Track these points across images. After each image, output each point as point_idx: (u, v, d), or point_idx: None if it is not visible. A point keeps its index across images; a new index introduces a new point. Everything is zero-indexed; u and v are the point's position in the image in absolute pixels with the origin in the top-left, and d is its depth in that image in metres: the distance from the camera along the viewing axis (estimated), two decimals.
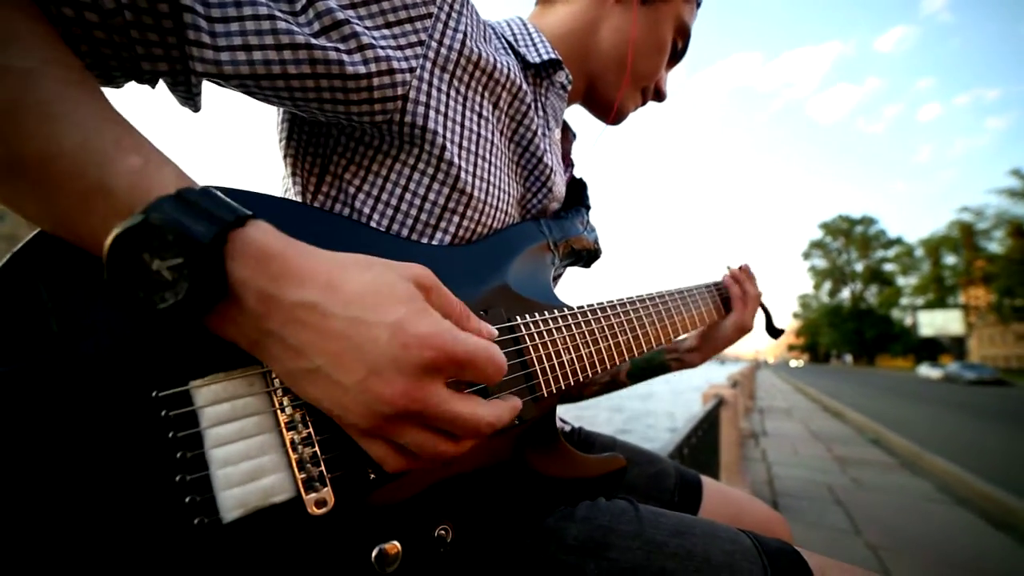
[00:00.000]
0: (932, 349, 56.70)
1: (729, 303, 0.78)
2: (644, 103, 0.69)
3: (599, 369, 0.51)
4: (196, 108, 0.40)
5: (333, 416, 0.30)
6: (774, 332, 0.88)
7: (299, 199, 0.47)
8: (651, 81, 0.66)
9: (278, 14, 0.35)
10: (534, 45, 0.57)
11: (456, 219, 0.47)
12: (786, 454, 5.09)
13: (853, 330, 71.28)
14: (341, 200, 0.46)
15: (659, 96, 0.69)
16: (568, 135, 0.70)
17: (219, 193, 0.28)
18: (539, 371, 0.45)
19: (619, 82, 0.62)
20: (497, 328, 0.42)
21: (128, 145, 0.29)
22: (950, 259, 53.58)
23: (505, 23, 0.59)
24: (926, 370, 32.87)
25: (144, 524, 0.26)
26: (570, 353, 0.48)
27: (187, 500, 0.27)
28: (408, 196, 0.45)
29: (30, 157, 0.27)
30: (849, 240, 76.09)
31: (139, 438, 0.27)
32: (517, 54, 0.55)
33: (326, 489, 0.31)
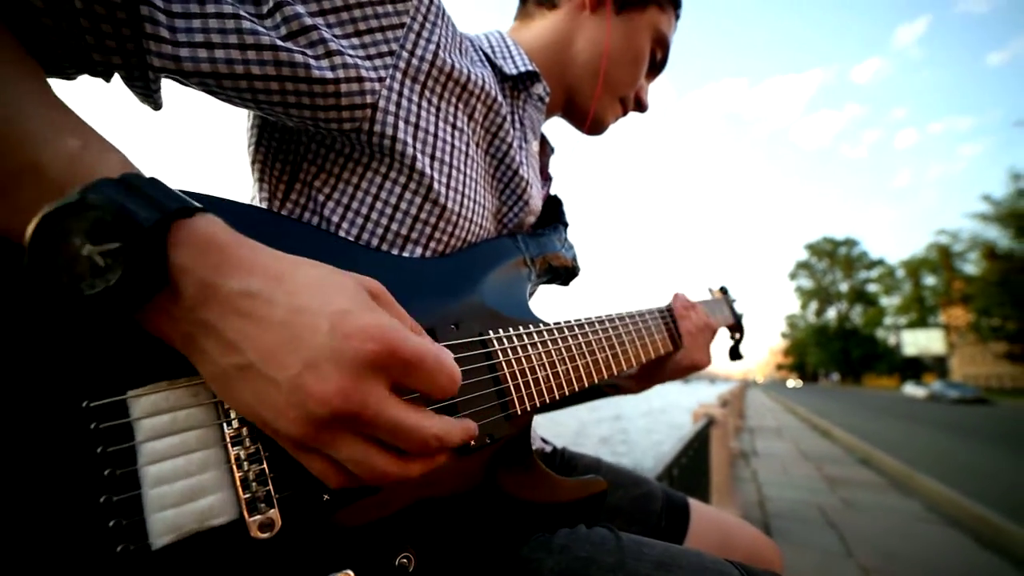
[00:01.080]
0: (916, 368, 57.55)
1: (680, 336, 0.71)
2: (625, 113, 0.69)
3: (576, 387, 0.49)
4: (156, 106, 0.38)
5: (267, 428, 0.27)
6: (736, 355, 0.86)
7: (266, 207, 0.46)
8: (628, 91, 0.66)
9: (243, 14, 0.35)
10: (511, 57, 0.57)
11: (428, 231, 0.46)
12: (776, 474, 5.06)
13: (839, 349, 72.31)
14: (310, 209, 0.45)
15: (640, 107, 0.69)
16: (546, 149, 0.70)
17: (168, 185, 0.27)
18: (512, 387, 0.43)
19: (593, 91, 0.63)
20: (468, 341, 0.40)
21: (66, 127, 0.27)
22: (930, 280, 55.08)
23: (484, 36, 0.60)
24: (911, 389, 33.39)
25: (63, 553, 0.24)
26: (545, 370, 0.47)
27: (111, 524, 0.25)
28: (379, 205, 0.44)
29: None
30: (834, 261, 77.88)
31: (62, 454, 0.25)
32: (494, 66, 0.55)
33: (272, 511, 0.29)
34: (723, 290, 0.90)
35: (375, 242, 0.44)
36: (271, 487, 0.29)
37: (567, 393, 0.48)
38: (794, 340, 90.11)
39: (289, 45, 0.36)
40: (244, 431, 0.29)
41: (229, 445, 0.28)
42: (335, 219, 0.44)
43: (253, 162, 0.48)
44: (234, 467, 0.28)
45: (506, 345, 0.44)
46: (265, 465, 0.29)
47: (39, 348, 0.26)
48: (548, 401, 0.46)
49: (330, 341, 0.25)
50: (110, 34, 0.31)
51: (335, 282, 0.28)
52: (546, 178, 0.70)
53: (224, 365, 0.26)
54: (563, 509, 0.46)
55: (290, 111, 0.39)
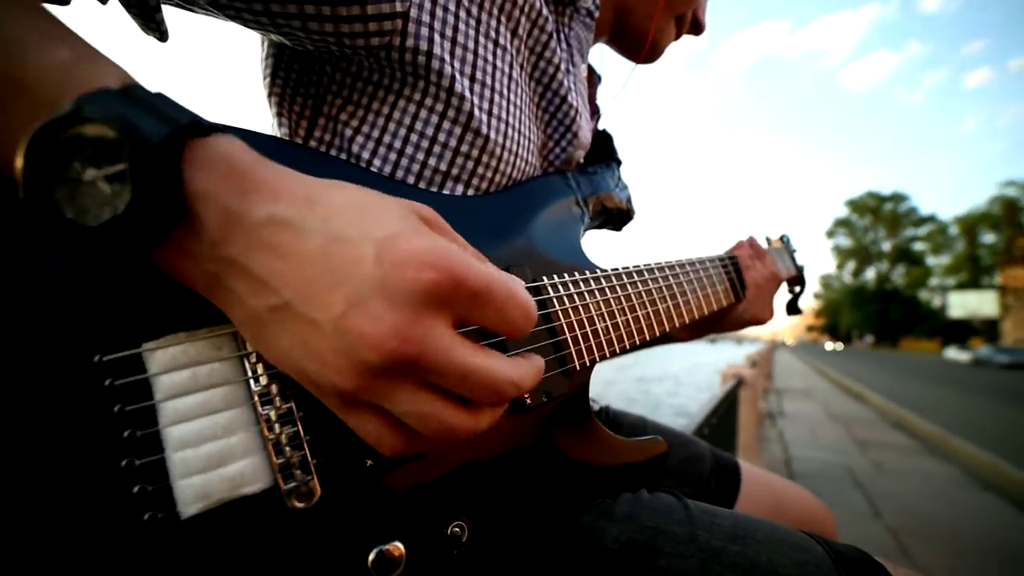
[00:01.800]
0: (961, 332, 54.94)
1: (744, 287, 0.66)
2: (679, 36, 0.60)
3: (637, 340, 0.45)
4: (162, 36, 0.34)
5: (309, 382, 0.23)
6: (795, 310, 0.81)
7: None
8: (688, 7, 0.56)
9: None
10: None
11: (470, 165, 0.40)
12: (804, 435, 5.04)
13: (876, 311, 69.55)
14: (336, 145, 0.40)
15: (697, 28, 0.59)
16: (593, 78, 0.62)
17: (176, 100, 0.22)
18: (570, 340, 0.39)
19: (653, 9, 0.54)
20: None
21: (56, 36, 0.23)
22: (988, 238, 51.26)
23: None
24: (954, 353, 31.88)
25: (84, 520, 0.21)
26: (604, 320, 0.42)
27: (136, 490, 0.22)
28: (414, 138, 0.39)
29: None
30: (877, 218, 73.26)
31: (76, 414, 0.22)
32: None
33: (310, 478, 0.26)
34: (783, 239, 0.82)
35: (411, 179, 0.39)
36: (307, 451, 0.26)
37: (627, 346, 0.43)
38: (827, 301, 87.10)
39: None
40: (274, 388, 0.26)
41: (258, 404, 0.25)
42: (365, 155, 0.39)
43: (270, 95, 0.43)
44: (264, 429, 0.25)
45: (562, 292, 0.39)
46: (300, 427, 0.26)
47: (44, 294, 0.22)
48: (608, 355, 0.42)
49: (378, 271, 0.21)
50: None
51: (378, 204, 0.23)
52: (594, 111, 0.62)
53: (256, 307, 0.22)
54: (625, 472, 0.43)
55: (309, 25, 0.33)
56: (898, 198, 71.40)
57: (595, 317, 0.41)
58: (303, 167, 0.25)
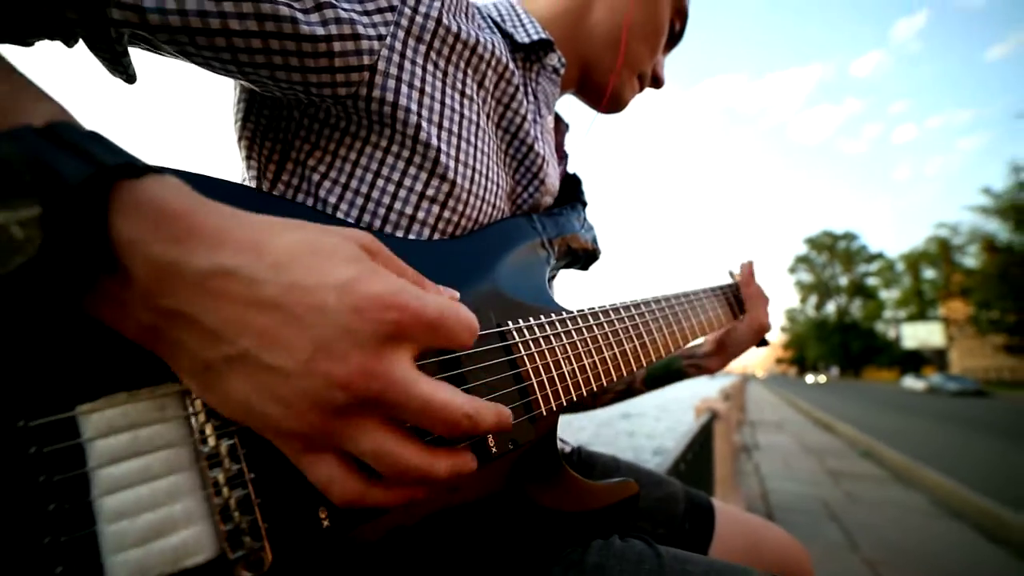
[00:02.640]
0: (916, 361, 57.76)
1: (743, 304, 0.75)
2: (642, 89, 0.64)
3: (604, 382, 0.45)
4: (129, 77, 0.34)
5: (268, 429, 0.23)
6: (763, 342, 0.86)
7: (254, 187, 0.41)
8: (648, 65, 0.61)
9: None
10: (523, 25, 0.52)
11: (436, 209, 0.41)
12: (779, 468, 5.08)
13: (839, 343, 72.54)
14: (304, 189, 0.40)
15: (656, 83, 0.64)
16: (560, 126, 0.66)
17: (113, 141, 0.21)
18: (535, 385, 0.38)
19: (613, 66, 0.58)
20: (486, 334, 0.36)
21: None
22: (929, 273, 55.16)
23: (492, 4, 0.55)
24: (911, 382, 33.41)
25: None
26: (571, 364, 0.42)
27: (58, 571, 0.20)
28: (380, 183, 0.39)
29: None
30: (833, 255, 78.00)
31: None
32: (504, 34, 0.51)
33: (260, 544, 0.24)
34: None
35: (377, 223, 0.40)
36: (258, 514, 0.24)
37: (595, 389, 0.43)
38: (793, 334, 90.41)
39: None
40: (223, 448, 0.24)
41: (205, 467, 0.24)
42: (332, 200, 0.39)
43: (240, 139, 0.43)
44: (212, 494, 0.24)
45: (527, 337, 0.39)
46: (251, 488, 0.25)
47: None
48: (575, 398, 0.41)
49: (341, 318, 0.21)
50: None
51: (325, 245, 0.23)
52: (562, 156, 0.65)
53: (208, 358, 0.22)
54: (594, 517, 0.42)
55: (277, 75, 0.34)
56: (850, 236, 76.45)
57: (561, 360, 0.41)
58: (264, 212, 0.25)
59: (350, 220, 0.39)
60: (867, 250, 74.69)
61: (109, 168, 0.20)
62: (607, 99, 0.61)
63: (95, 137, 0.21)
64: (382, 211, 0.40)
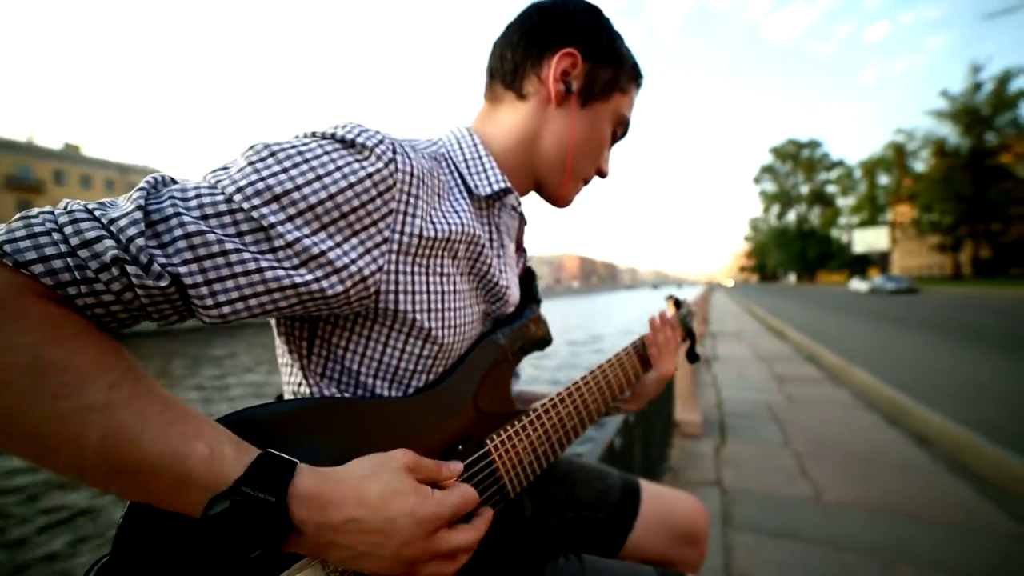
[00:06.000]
0: (864, 264, 61.63)
1: (648, 361, 0.85)
2: (588, 184, 0.72)
3: (553, 458, 0.64)
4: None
5: (375, 574, 0.42)
6: (694, 358, 1.02)
7: (294, 358, 0.54)
8: (592, 173, 0.70)
9: (263, 264, 0.41)
10: (485, 173, 0.60)
11: (430, 363, 0.55)
12: (733, 377, 5.50)
13: (799, 250, 76.03)
14: (332, 358, 0.53)
15: (601, 175, 0.72)
16: (521, 225, 0.73)
17: (272, 455, 0.38)
18: (507, 480, 0.58)
19: (561, 180, 0.66)
20: (474, 458, 0.55)
21: (191, 434, 0.36)
22: (884, 179, 56.89)
23: (455, 141, 0.62)
24: (856, 284, 36.04)
25: None
26: (530, 455, 0.61)
27: None
28: (388, 351, 0.53)
29: (125, 468, 0.34)
30: (796, 164, 78.79)
31: None
32: (468, 188, 0.59)
33: None
34: (676, 303, 1.00)
35: (388, 378, 0.53)
36: None
37: (546, 465, 0.63)
38: (756, 242, 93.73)
39: (303, 273, 0.43)
40: None
41: None
42: (354, 367, 0.52)
43: (278, 322, 0.55)
44: None
45: (500, 448, 0.58)
46: None
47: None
48: (533, 479, 0.62)
49: (412, 531, 0.41)
50: (169, 311, 0.39)
51: (394, 485, 0.42)
52: (521, 251, 0.75)
53: (346, 556, 0.40)
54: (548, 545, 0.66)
55: (308, 311, 0.47)
56: (814, 144, 76.76)
57: (521, 453, 0.60)
58: (327, 416, 0.45)
59: (368, 379, 0.53)
60: (829, 158, 75.56)
61: (285, 487, 0.37)
62: (558, 203, 0.71)
63: (265, 461, 0.38)
64: (391, 371, 0.53)
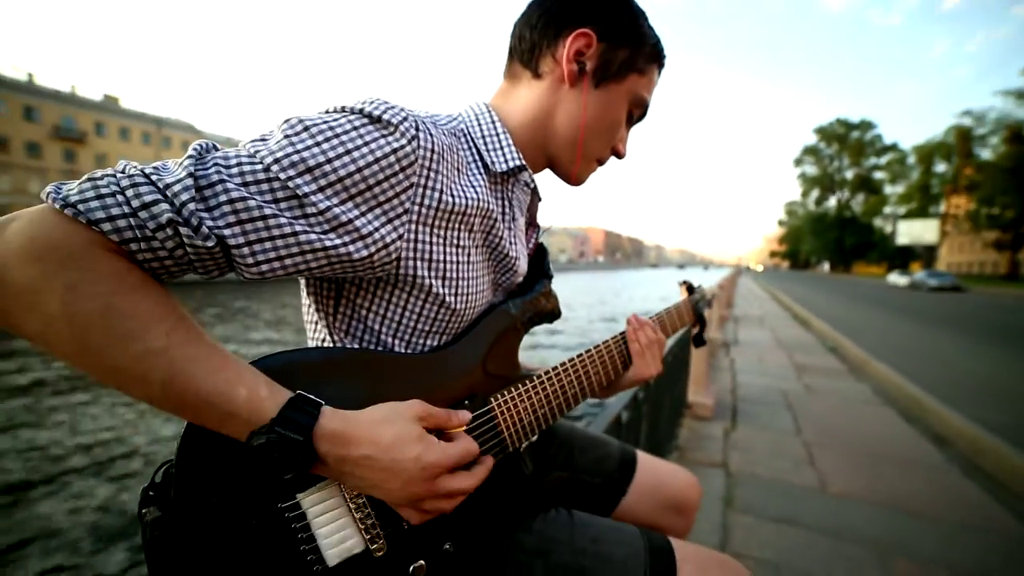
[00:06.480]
0: (906, 257, 58.43)
1: (628, 359, 0.80)
2: (603, 163, 0.72)
3: (551, 420, 0.68)
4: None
5: (385, 501, 0.49)
6: (700, 342, 1.03)
7: (321, 316, 0.59)
8: (605, 154, 0.70)
9: (298, 228, 0.45)
10: (501, 150, 0.62)
11: (442, 325, 0.59)
12: (752, 363, 5.43)
13: (835, 238, 72.48)
14: (356, 317, 0.58)
15: (618, 156, 0.72)
16: (535, 199, 0.73)
17: (302, 397, 0.44)
18: (508, 435, 0.62)
19: (573, 159, 0.67)
20: (480, 412, 0.60)
21: (234, 379, 0.42)
22: (941, 167, 52.72)
23: (474, 117, 0.64)
24: (895, 277, 34.18)
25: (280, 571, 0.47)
26: (531, 415, 0.65)
27: (302, 549, 0.48)
28: (407, 315, 0.57)
29: (183, 402, 0.41)
30: (843, 146, 73.93)
31: (272, 532, 0.47)
32: (485, 164, 0.61)
33: (381, 541, 0.51)
34: (689, 288, 1.00)
35: (406, 338, 0.58)
36: (379, 529, 0.51)
37: (544, 427, 0.67)
38: (790, 228, 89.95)
39: (332, 238, 0.47)
40: (360, 502, 0.51)
41: (353, 513, 0.50)
42: (376, 326, 0.57)
43: (307, 284, 0.60)
44: (358, 523, 0.50)
45: (503, 407, 0.62)
46: (374, 519, 0.51)
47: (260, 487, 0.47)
48: (533, 438, 0.66)
49: (417, 472, 0.46)
50: (213, 267, 0.44)
51: (404, 433, 0.47)
52: (535, 227, 0.76)
53: (360, 485, 0.47)
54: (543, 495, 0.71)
55: (336, 272, 0.51)
56: (866, 126, 71.61)
57: (523, 413, 0.64)
58: (353, 368, 0.52)
59: (388, 338, 0.57)
60: (881, 141, 70.34)
61: (311, 428, 0.43)
62: (571, 181, 0.72)
63: (294, 405, 0.43)
64: (408, 332, 0.58)
